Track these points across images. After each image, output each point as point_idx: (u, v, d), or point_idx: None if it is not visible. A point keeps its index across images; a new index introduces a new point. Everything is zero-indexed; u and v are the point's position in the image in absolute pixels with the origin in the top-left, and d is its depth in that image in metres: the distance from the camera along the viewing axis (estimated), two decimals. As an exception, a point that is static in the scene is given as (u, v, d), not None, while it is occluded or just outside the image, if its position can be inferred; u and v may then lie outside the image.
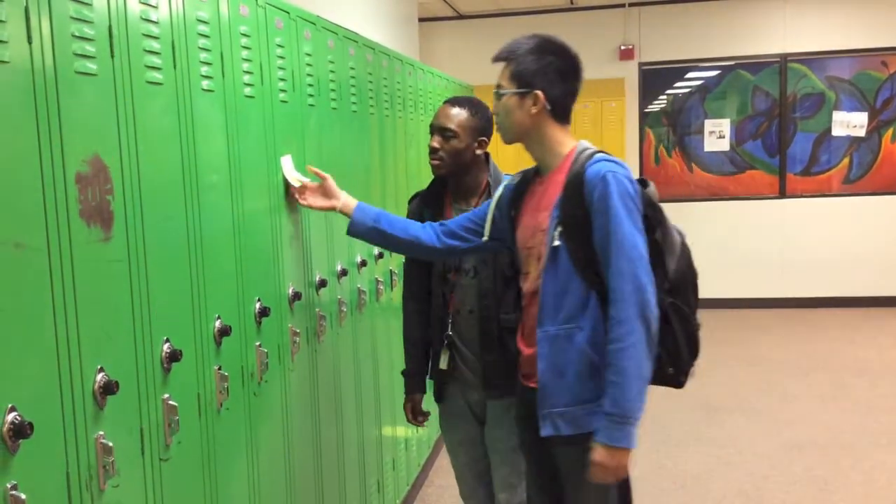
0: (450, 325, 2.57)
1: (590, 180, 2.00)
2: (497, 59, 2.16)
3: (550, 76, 2.09)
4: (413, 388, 2.75)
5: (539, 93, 2.08)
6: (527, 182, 2.25)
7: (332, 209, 2.44)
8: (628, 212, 1.97)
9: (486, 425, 2.63)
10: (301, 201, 2.40)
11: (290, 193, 2.39)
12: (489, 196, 2.49)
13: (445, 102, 2.61)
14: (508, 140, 2.21)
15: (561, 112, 2.13)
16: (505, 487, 2.62)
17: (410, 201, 2.77)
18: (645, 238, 2.00)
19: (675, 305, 2.09)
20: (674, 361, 2.11)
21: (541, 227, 2.12)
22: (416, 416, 2.76)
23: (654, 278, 1.99)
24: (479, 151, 2.58)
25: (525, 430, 2.27)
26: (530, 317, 2.18)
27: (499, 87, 2.15)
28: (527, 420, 2.22)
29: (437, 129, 2.56)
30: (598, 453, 1.99)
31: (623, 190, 1.98)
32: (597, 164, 2.01)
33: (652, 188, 2.14)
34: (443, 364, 2.60)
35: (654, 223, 2.06)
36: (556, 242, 2.04)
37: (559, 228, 2.04)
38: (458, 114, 2.54)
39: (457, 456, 2.76)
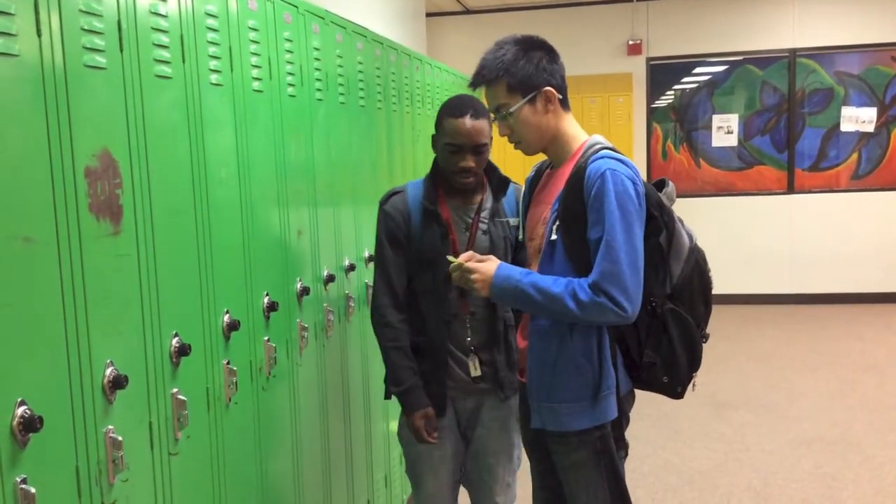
0: (469, 331, 2.44)
1: (590, 176, 1.95)
2: (483, 82, 2.08)
3: (546, 69, 2.06)
4: (422, 401, 2.42)
5: (548, 89, 2.05)
6: (540, 174, 2.24)
7: None
8: (623, 213, 1.91)
9: (481, 426, 2.52)
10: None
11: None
12: (494, 192, 2.47)
13: (462, 117, 2.34)
14: (534, 151, 2.13)
15: (566, 98, 2.11)
16: (503, 489, 2.56)
17: (384, 202, 2.47)
18: (641, 240, 1.95)
19: (675, 312, 2.04)
20: (669, 370, 2.06)
21: (543, 219, 2.10)
22: (432, 432, 2.43)
23: (644, 283, 1.93)
24: None
25: (524, 425, 2.26)
26: None
27: (499, 108, 2.07)
28: (524, 415, 2.22)
29: (471, 147, 2.34)
30: (482, 274, 2.05)
31: (621, 189, 1.92)
32: (599, 161, 1.96)
33: (669, 190, 2.09)
34: (475, 371, 2.44)
35: (660, 225, 2.01)
36: (554, 236, 2.02)
37: (557, 222, 2.01)
38: (483, 124, 2.37)
39: (437, 474, 2.51)
